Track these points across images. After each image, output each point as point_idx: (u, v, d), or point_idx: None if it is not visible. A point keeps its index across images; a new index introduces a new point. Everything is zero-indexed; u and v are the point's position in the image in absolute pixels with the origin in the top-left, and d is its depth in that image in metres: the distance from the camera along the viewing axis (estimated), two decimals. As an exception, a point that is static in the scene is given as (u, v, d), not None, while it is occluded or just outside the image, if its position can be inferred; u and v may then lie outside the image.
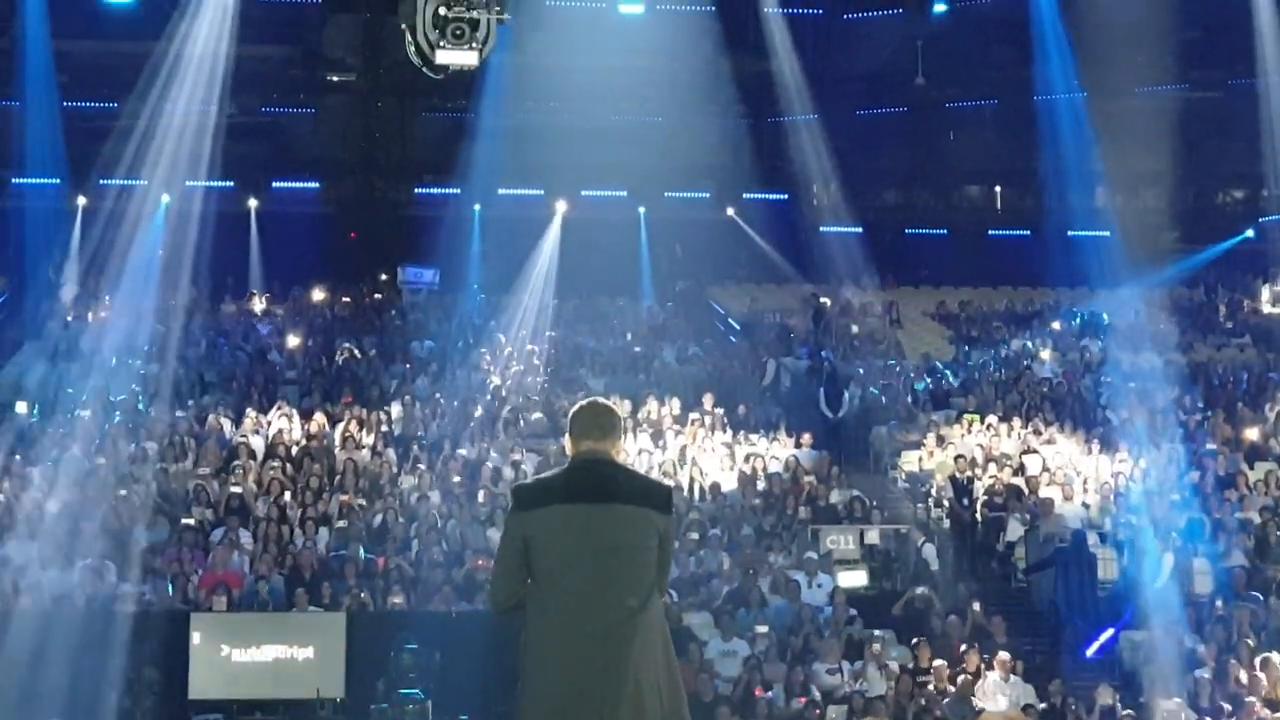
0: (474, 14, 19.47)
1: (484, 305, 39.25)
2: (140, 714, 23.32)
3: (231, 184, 38.37)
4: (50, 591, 25.61)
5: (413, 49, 19.77)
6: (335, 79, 41.54)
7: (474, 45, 19.60)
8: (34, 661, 23.29)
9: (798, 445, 31.73)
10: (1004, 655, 24.36)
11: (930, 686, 23.89)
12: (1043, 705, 23.73)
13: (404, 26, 19.74)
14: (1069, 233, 37.15)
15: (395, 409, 32.51)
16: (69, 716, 21.52)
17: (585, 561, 8.29)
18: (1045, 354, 37.87)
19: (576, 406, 8.78)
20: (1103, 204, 34.85)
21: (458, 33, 19.51)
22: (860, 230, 39.27)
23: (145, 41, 36.66)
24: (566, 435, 8.76)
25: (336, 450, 30.35)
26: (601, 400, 8.87)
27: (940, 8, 40.69)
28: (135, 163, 37.22)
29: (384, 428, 31.45)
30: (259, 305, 38.59)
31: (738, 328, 39.20)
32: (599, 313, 39.41)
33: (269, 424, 31.47)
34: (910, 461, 32.68)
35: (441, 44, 19.54)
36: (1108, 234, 31.02)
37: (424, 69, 19.87)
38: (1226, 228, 42.05)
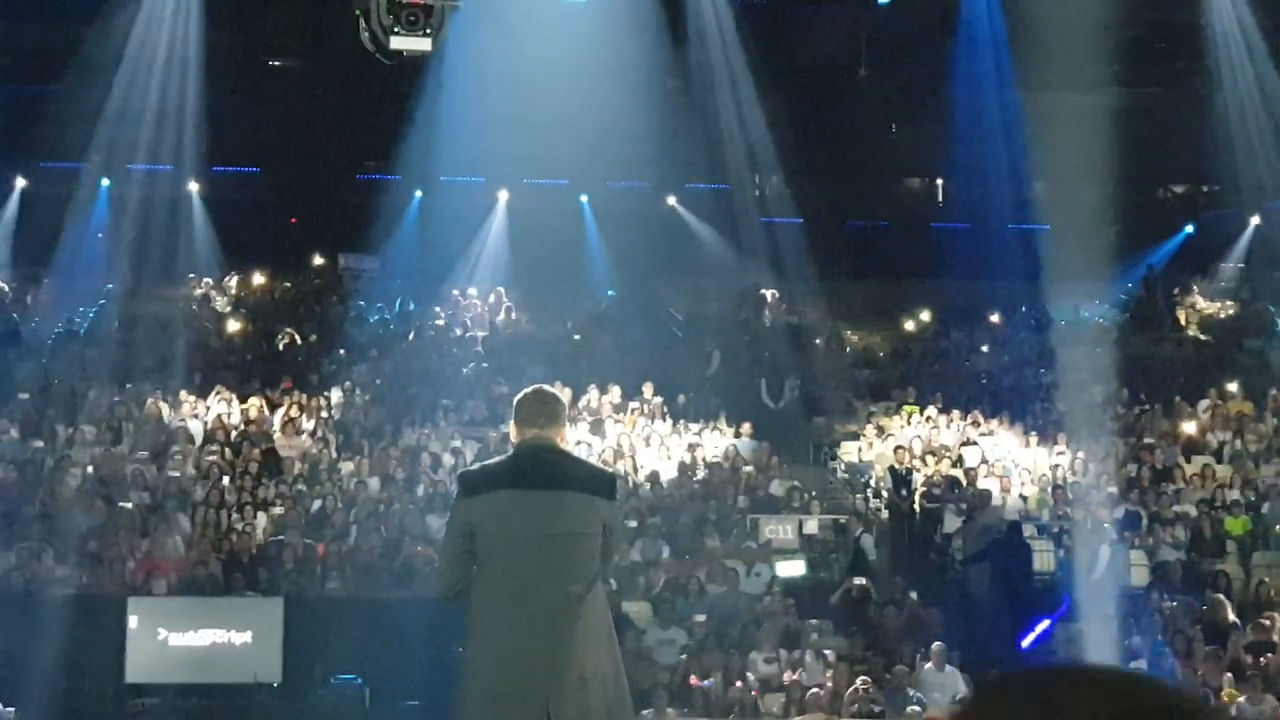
0: (428, 0, 19.48)
1: (424, 292, 39.16)
2: (78, 697, 23.25)
3: (171, 168, 38.10)
4: (-13, 574, 25.53)
5: (366, 35, 19.79)
6: (277, 64, 41.36)
7: (427, 31, 19.61)
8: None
9: (737, 435, 31.81)
10: (939, 645, 24.48)
11: (867, 676, 23.99)
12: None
13: (357, 12, 19.73)
14: (1009, 226, 37.27)
15: (335, 395, 32.46)
16: (6, 700, 21.41)
17: (530, 548, 8.33)
18: (985, 347, 38.07)
19: (522, 394, 8.83)
20: (1042, 198, 34.92)
21: (412, 19, 19.54)
22: (800, 221, 39.31)
23: (87, 25, 36.44)
24: (511, 422, 8.80)
25: (275, 436, 30.28)
26: (546, 388, 8.94)
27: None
28: (76, 146, 37.03)
29: (323, 414, 31.39)
30: (199, 289, 38.41)
31: (679, 318, 39.21)
32: (540, 301, 39.37)
33: (208, 408, 31.37)
34: (849, 452, 32.82)
35: (396, 30, 19.56)
36: (1047, 228, 31.12)
37: (377, 55, 19.87)
38: (1167, 223, 42.31)
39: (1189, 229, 42.42)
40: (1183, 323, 39.79)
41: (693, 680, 23.89)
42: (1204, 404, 33.59)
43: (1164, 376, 35.90)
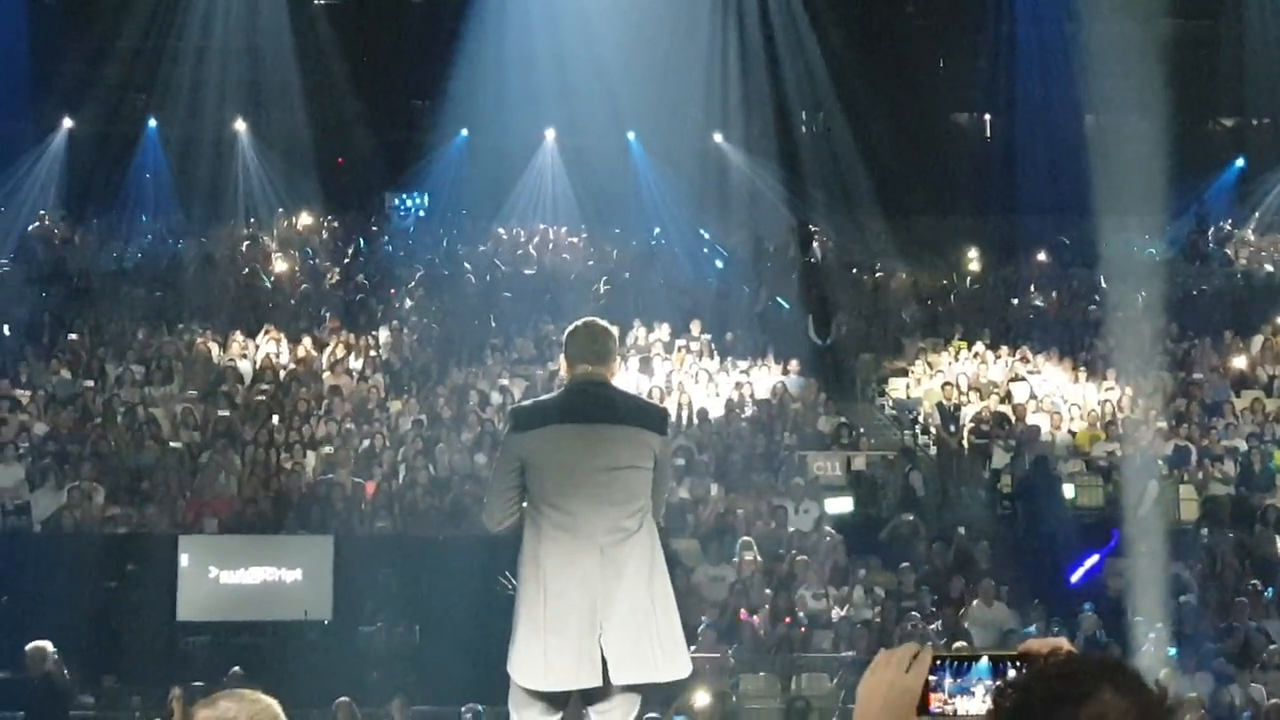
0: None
1: (471, 230, 39.17)
2: (129, 636, 23.39)
3: (218, 107, 38.15)
4: (38, 514, 25.67)
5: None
6: (323, 2, 41.32)
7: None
8: (22, 585, 23.36)
9: (785, 372, 31.75)
10: (988, 582, 24.45)
11: (915, 612, 23.99)
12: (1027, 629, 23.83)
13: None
14: (1058, 161, 37.03)
15: (383, 334, 32.49)
16: (57, 639, 21.53)
17: (581, 482, 8.31)
18: (1033, 282, 37.91)
19: (572, 328, 8.76)
20: (1092, 132, 34.71)
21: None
22: (848, 158, 39.11)
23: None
24: (562, 357, 8.75)
25: (324, 375, 30.35)
26: (597, 321, 8.83)
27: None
28: (123, 86, 37.13)
29: (371, 353, 31.43)
30: (247, 229, 38.49)
31: (727, 254, 39.13)
32: (588, 238, 39.35)
33: (257, 348, 31.45)
34: (897, 389, 32.73)
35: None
36: (1097, 162, 30.91)
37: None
38: (1217, 156, 41.97)
39: (1240, 163, 42.07)
40: (1233, 257, 39.54)
41: (742, 616, 23.93)
42: (1256, 340, 33.36)
43: (1213, 311, 35.68)
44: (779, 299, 35.34)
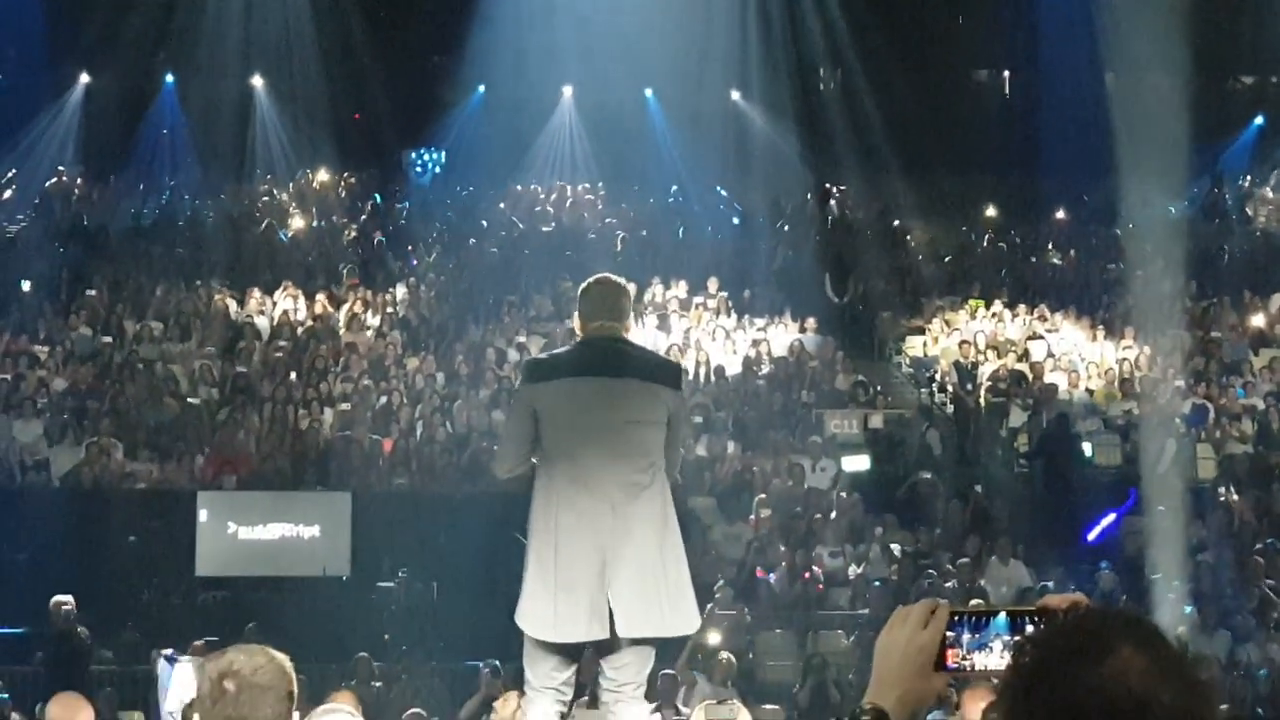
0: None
1: (488, 187, 39.13)
2: (148, 591, 23.47)
3: (236, 63, 38.12)
4: (57, 470, 25.74)
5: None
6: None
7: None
8: (41, 541, 23.43)
9: (802, 330, 31.73)
10: (1005, 540, 24.46)
11: (932, 570, 24.01)
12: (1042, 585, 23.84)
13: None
14: (1077, 119, 36.89)
15: (400, 291, 32.50)
16: (77, 594, 21.62)
17: (594, 435, 8.31)
18: (1051, 241, 37.85)
19: (586, 284, 8.75)
20: (1112, 90, 34.58)
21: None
22: (867, 115, 38.98)
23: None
24: (576, 314, 8.75)
25: (341, 332, 30.37)
26: (612, 277, 8.84)
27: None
28: (140, 42, 37.11)
29: (389, 309, 31.44)
30: (264, 185, 38.47)
31: (744, 212, 39.07)
32: (605, 195, 39.30)
33: (274, 305, 31.47)
34: (915, 347, 32.73)
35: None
36: (1116, 120, 30.80)
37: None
38: (1236, 115, 41.80)
39: (1259, 121, 41.91)
40: (1252, 215, 39.44)
41: (758, 573, 23.96)
42: (1275, 298, 33.29)
43: (1232, 270, 35.61)
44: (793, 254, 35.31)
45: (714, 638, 20.65)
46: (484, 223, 36.86)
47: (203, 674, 4.67)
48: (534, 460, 8.52)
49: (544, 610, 8.25)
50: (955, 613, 3.35)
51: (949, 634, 3.33)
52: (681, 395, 8.70)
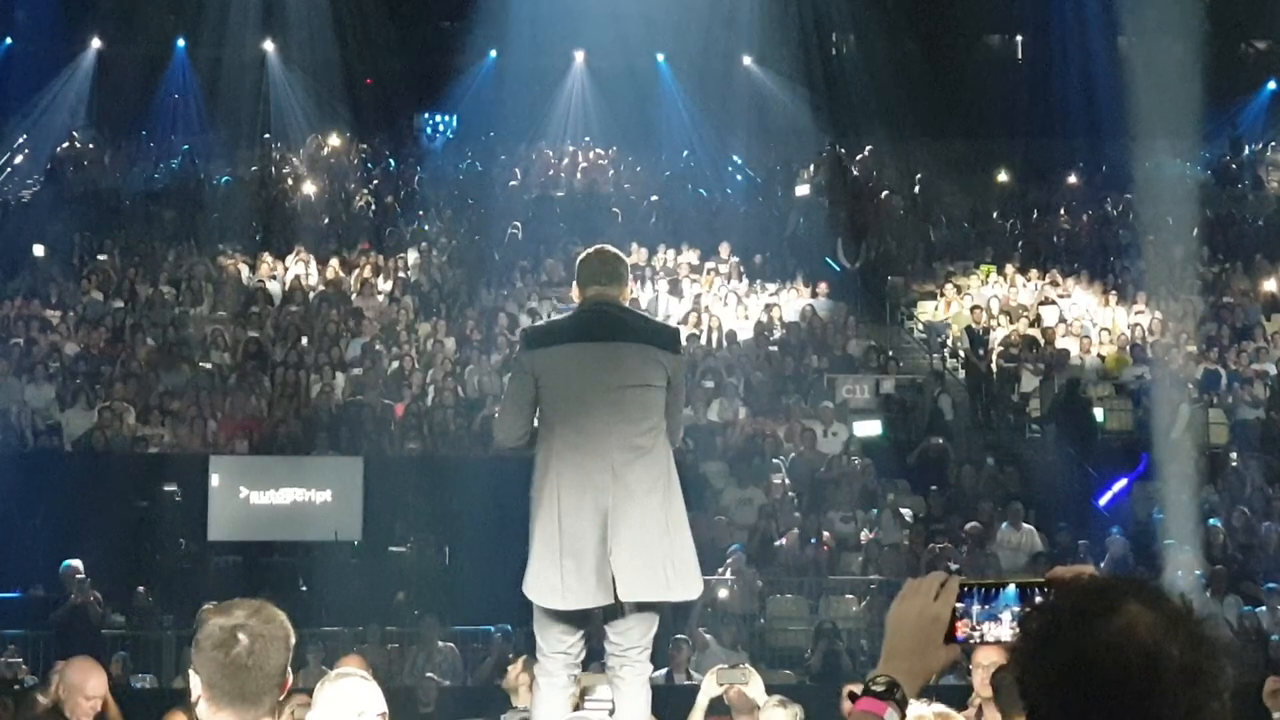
0: None
1: (500, 152, 39.10)
2: (160, 556, 23.51)
3: (247, 27, 38.08)
4: (69, 434, 25.79)
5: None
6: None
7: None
8: (53, 505, 23.48)
9: (814, 295, 31.71)
10: (1016, 505, 24.47)
11: (944, 535, 24.03)
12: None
13: None
14: (1089, 83, 36.82)
15: (412, 256, 32.50)
16: (88, 559, 21.69)
17: (593, 399, 8.36)
18: (1063, 206, 37.80)
19: (583, 254, 8.87)
20: (1124, 54, 34.48)
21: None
22: (879, 80, 38.93)
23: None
24: (575, 282, 8.82)
25: (353, 297, 30.39)
26: (608, 247, 8.96)
27: None
28: (152, 5, 37.11)
29: (400, 274, 31.45)
30: (276, 150, 38.47)
31: (756, 177, 39.05)
32: (617, 160, 39.27)
33: (286, 269, 31.49)
34: (926, 312, 32.71)
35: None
36: (1129, 85, 30.70)
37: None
38: (1250, 79, 41.71)
39: (1272, 85, 41.80)
40: (1264, 180, 39.36)
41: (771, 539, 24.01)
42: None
43: (1245, 234, 35.56)
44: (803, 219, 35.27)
45: (726, 602, 20.71)
46: (496, 187, 36.83)
47: (207, 626, 4.73)
48: (534, 425, 8.57)
49: (551, 579, 8.29)
50: (965, 584, 3.37)
51: (959, 605, 3.35)
52: (680, 359, 8.75)
